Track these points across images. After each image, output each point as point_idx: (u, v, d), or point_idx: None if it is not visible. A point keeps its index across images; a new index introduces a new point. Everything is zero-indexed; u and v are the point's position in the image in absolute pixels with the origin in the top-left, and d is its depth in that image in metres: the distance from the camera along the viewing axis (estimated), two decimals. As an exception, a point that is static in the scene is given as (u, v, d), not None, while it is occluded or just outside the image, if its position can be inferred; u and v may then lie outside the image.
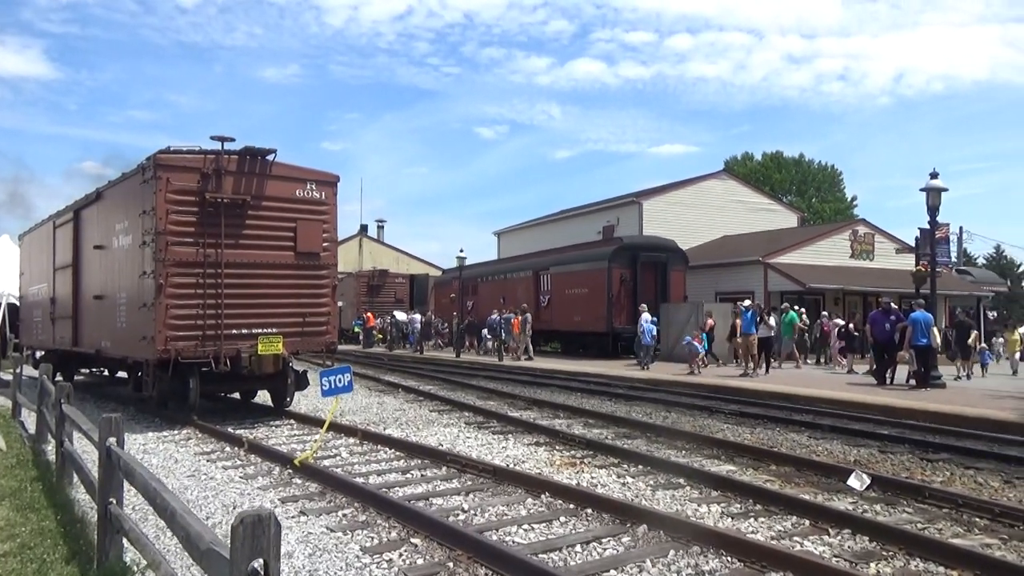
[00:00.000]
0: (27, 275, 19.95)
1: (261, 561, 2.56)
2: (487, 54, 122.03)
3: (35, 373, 13.29)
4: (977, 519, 6.50)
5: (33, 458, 9.22)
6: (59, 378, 17.34)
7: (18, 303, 22.16)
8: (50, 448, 9.03)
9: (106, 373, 18.80)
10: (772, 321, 19.76)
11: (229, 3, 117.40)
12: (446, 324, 35.07)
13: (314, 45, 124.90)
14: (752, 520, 6.44)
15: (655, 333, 22.08)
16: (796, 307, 24.09)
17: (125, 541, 4.88)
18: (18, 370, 14.37)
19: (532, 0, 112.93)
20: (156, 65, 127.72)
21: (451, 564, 5.26)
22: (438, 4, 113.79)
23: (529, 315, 26.37)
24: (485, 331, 29.59)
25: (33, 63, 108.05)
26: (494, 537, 5.87)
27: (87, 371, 19.57)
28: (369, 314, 38.85)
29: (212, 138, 11.65)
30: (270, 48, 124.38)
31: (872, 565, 5.33)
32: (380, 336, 37.90)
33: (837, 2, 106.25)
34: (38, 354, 18.95)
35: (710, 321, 22.45)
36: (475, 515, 6.57)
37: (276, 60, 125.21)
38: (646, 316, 22.14)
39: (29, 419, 11.76)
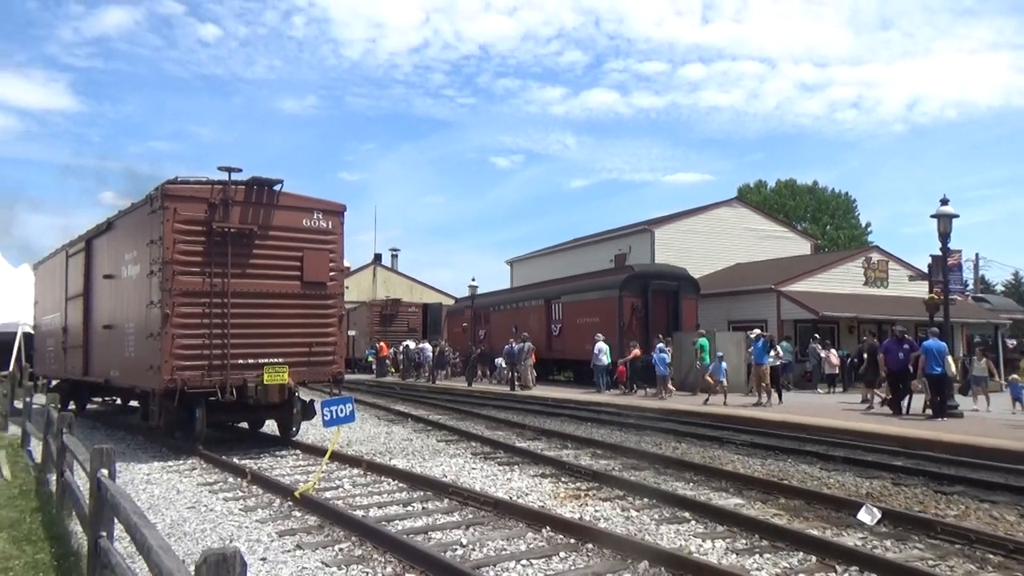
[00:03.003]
0: (41, 304, 20.16)
1: (228, 602, 2.48)
2: (502, 85, 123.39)
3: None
4: (991, 555, 6.30)
5: (36, 488, 9.20)
6: (72, 407, 17.48)
7: (33, 332, 22.36)
8: (54, 478, 9.00)
9: (119, 402, 18.86)
10: (782, 350, 19.53)
11: (250, 37, 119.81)
12: (458, 353, 34.98)
13: (332, 77, 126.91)
14: (757, 556, 6.27)
15: (668, 362, 21.93)
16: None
17: (114, 576, 4.81)
18: (28, 399, 14.44)
19: (546, 32, 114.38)
20: (178, 97, 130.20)
21: (444, 601, 5.15)
22: (454, 37, 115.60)
23: (531, 344, 26.85)
24: (500, 360, 29.47)
25: (58, 96, 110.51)
26: (491, 573, 5.75)
27: (100, 400, 19.67)
28: (382, 343, 38.85)
29: (220, 168, 11.78)
30: (289, 80, 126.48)
31: (879, 604, 5.16)
32: (393, 366, 37.86)
33: (849, 31, 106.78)
34: (53, 383, 19.05)
35: (635, 351, 23.22)
36: (473, 550, 6.45)
37: (295, 92, 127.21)
38: (601, 346, 24.02)
39: (37, 448, 11.76)
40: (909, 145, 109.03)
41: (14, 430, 14.72)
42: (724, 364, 20.07)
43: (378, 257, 62.14)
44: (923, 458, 11.42)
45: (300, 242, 12.44)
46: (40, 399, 16.64)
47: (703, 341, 22.49)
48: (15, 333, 24.44)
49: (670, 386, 21.81)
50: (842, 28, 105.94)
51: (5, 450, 12.39)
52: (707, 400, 19.32)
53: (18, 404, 16.60)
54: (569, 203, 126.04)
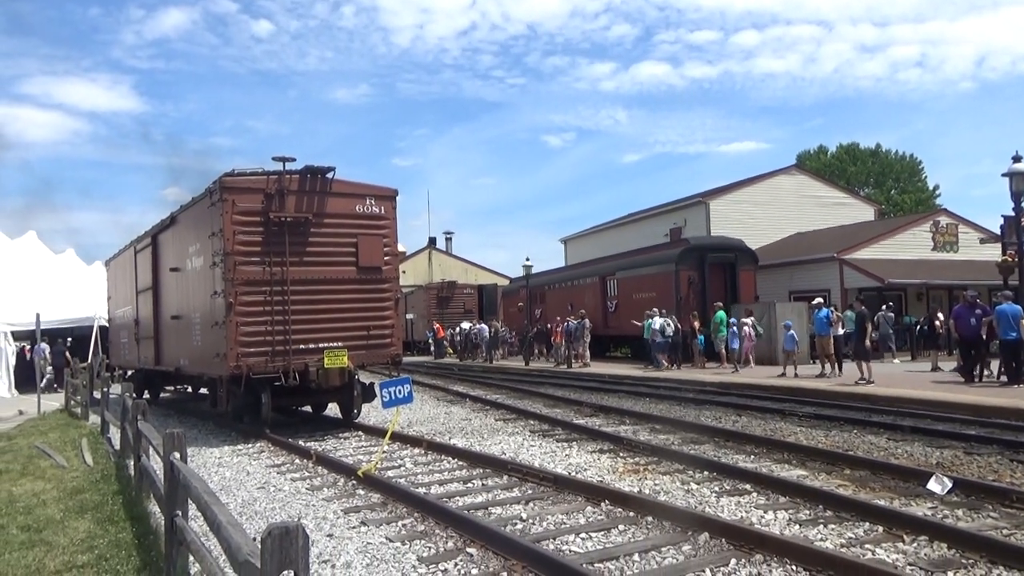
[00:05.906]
0: (114, 299, 21.04)
1: (291, 573, 2.58)
2: (551, 63, 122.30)
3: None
4: (1071, 524, 6.06)
5: (116, 473, 9.65)
6: (146, 396, 18.25)
7: (107, 325, 23.37)
8: (132, 463, 9.43)
9: (189, 390, 19.58)
10: (844, 320, 19.01)
11: (301, 30, 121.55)
12: (513, 333, 35.15)
13: (382, 65, 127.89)
14: (821, 527, 6.17)
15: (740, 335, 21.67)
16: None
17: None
18: (106, 389, 15.17)
19: (594, 7, 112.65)
20: (235, 93, 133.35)
21: (505, 574, 5.23)
22: (501, 17, 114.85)
23: (588, 321, 26.57)
24: (558, 338, 29.42)
25: (124, 98, 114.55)
26: (551, 546, 5.81)
27: (172, 388, 20.46)
28: (438, 325, 39.33)
29: (274, 159, 12.02)
30: (340, 70, 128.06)
31: (950, 574, 5.03)
32: (451, 347, 38.32)
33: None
34: (128, 373, 19.91)
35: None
36: (533, 524, 6.53)
37: (346, 81, 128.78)
38: (658, 320, 23.19)
39: (116, 436, 12.32)
40: (979, 103, 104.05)
41: (94, 419, 15.45)
42: (793, 333, 19.73)
43: (432, 241, 62.76)
44: (997, 426, 11.02)
45: (354, 228, 12.64)
46: (117, 389, 17.41)
47: (720, 315, 22.28)
48: (92, 327, 25.58)
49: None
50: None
51: (87, 438, 13.05)
52: (783, 372, 18.99)
53: (97, 394, 17.40)
54: (622, 179, 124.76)
